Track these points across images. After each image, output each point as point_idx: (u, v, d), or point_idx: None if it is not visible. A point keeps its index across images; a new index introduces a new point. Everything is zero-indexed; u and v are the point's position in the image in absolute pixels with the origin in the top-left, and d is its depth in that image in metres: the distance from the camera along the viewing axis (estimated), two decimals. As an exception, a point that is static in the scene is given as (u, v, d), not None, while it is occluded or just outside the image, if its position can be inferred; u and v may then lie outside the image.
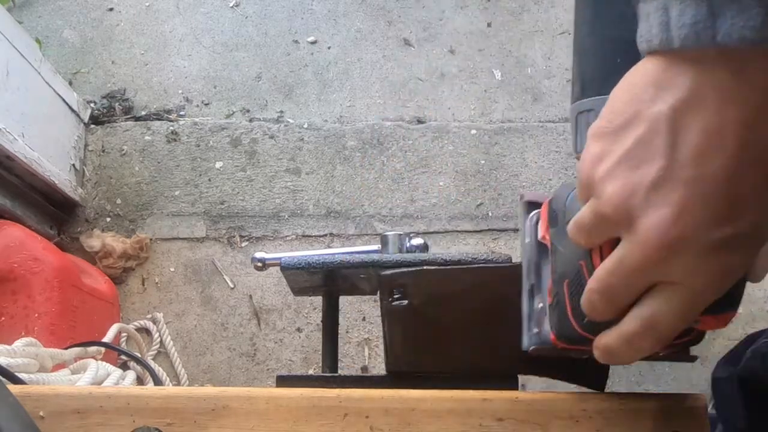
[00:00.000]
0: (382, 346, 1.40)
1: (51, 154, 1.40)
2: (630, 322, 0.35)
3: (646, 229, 0.31)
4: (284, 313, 1.46)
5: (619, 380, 1.40)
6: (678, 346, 0.39)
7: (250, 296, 1.47)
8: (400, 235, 0.62)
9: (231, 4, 1.76)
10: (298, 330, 1.45)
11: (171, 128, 1.61)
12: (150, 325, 1.43)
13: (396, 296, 0.51)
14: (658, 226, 0.31)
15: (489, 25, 1.73)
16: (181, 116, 1.64)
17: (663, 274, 0.32)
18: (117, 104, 1.65)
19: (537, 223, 0.47)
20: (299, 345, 1.44)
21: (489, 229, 1.51)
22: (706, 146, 0.29)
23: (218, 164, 1.58)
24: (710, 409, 1.31)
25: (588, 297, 0.36)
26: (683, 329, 0.35)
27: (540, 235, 0.46)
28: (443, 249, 1.50)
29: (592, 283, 0.36)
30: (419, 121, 1.63)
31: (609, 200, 0.32)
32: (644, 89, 0.31)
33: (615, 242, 0.34)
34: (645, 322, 0.34)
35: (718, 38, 0.27)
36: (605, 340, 0.37)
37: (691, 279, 0.32)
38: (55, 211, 1.45)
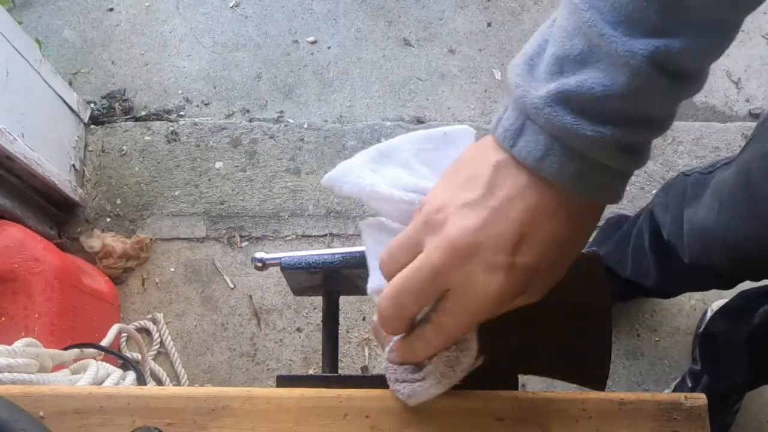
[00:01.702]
0: (382, 346, 1.40)
1: (51, 155, 1.40)
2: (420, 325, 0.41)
3: (448, 233, 0.37)
4: (284, 313, 1.46)
5: (619, 380, 1.40)
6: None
7: (250, 296, 1.47)
8: (400, 235, 0.62)
9: (231, 4, 1.76)
10: (298, 330, 1.45)
11: (171, 128, 1.61)
12: (150, 325, 1.43)
13: (396, 296, 0.51)
14: (461, 229, 0.37)
15: (489, 24, 1.73)
16: (181, 116, 1.64)
17: (450, 280, 0.37)
18: (117, 104, 1.65)
19: None
20: (299, 345, 1.44)
21: (489, 229, 1.51)
22: (512, 196, 0.37)
23: (218, 164, 1.58)
24: (691, 365, 1.32)
25: (380, 305, 0.40)
26: (453, 338, 0.40)
27: None
28: (443, 249, 1.50)
29: (386, 291, 0.40)
30: (419, 121, 1.63)
31: (429, 208, 0.39)
32: (481, 153, 0.40)
33: None
34: (429, 319, 0.40)
35: (513, 150, 0.37)
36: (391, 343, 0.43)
37: (470, 288, 0.37)
38: (55, 212, 1.45)
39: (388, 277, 0.40)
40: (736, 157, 0.86)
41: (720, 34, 0.35)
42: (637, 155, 0.38)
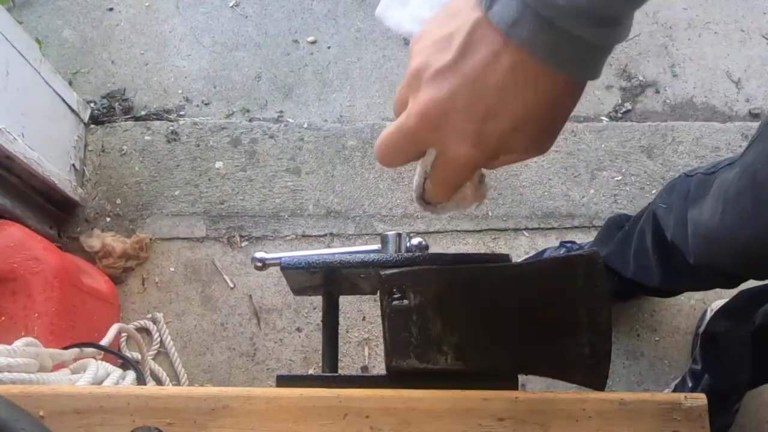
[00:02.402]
0: (382, 346, 1.40)
1: (51, 154, 1.40)
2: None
3: (421, 101, 0.40)
4: (284, 313, 1.46)
5: (619, 380, 1.40)
6: None
7: (250, 296, 1.47)
8: (400, 234, 0.62)
9: (231, 4, 1.76)
10: (298, 330, 1.45)
11: (171, 128, 1.61)
12: (150, 325, 1.43)
13: (396, 296, 0.51)
14: (430, 100, 0.39)
15: (489, 24, 1.73)
16: (181, 116, 1.64)
17: (427, 142, 0.41)
18: (117, 104, 1.65)
19: None
20: (299, 345, 1.44)
21: (488, 229, 1.51)
22: (486, 62, 0.37)
23: (218, 164, 1.58)
24: (692, 364, 1.32)
25: (375, 150, 0.44)
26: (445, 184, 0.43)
27: None
28: (443, 249, 1.50)
29: (378, 140, 0.44)
30: (419, 121, 1.63)
31: (411, 67, 0.41)
32: (463, 6, 0.39)
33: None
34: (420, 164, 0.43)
35: (489, 13, 0.37)
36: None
37: (445, 151, 0.40)
38: (55, 211, 1.45)
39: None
40: (739, 158, 0.86)
41: None
42: (615, 27, 0.36)
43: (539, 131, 0.40)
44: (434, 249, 1.49)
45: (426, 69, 0.40)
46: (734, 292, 1.19)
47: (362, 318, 1.45)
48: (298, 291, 0.64)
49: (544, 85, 0.37)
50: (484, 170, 0.45)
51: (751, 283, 1.08)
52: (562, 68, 0.37)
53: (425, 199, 0.46)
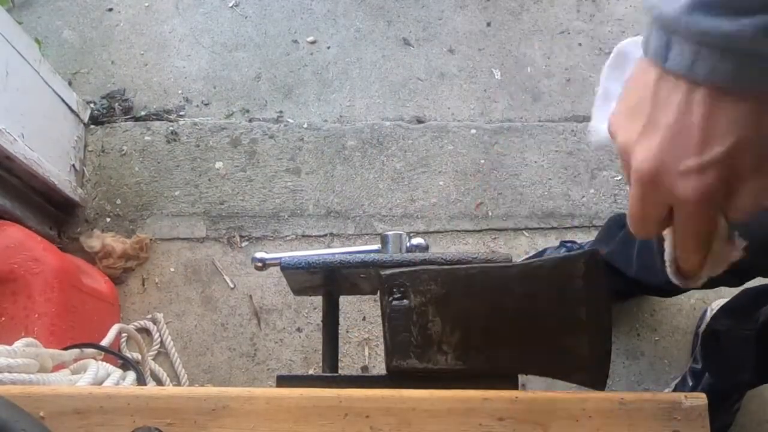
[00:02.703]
0: (382, 346, 1.40)
1: (51, 155, 1.40)
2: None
3: (634, 167, 0.42)
4: (284, 313, 1.46)
5: (619, 380, 1.40)
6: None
7: (250, 296, 1.47)
8: (400, 234, 0.62)
9: (230, 4, 1.76)
10: (298, 330, 1.45)
11: (171, 128, 1.61)
12: (150, 325, 1.43)
13: (396, 296, 0.51)
14: (642, 160, 0.41)
15: (488, 24, 1.73)
16: (181, 116, 1.64)
17: (663, 197, 0.42)
18: (117, 104, 1.65)
19: None
20: (299, 345, 1.44)
21: (489, 229, 1.51)
22: (679, 108, 0.40)
23: (218, 164, 1.58)
24: (692, 364, 1.32)
25: (628, 222, 0.46)
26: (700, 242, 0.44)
27: None
28: (443, 249, 1.50)
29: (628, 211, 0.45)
30: (419, 121, 1.63)
31: (618, 150, 0.44)
32: (641, 77, 0.42)
33: None
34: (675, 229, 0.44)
35: (666, 65, 0.40)
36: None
37: (678, 199, 0.41)
38: (55, 212, 1.45)
39: None
40: None
41: None
42: None
43: (758, 148, 0.40)
44: (434, 249, 1.49)
45: (628, 140, 0.42)
46: (735, 291, 1.19)
47: (362, 318, 1.45)
48: (298, 291, 0.64)
49: (739, 109, 0.39)
50: (730, 228, 0.45)
51: (752, 283, 1.08)
52: (748, 87, 0.38)
53: (681, 271, 0.47)
